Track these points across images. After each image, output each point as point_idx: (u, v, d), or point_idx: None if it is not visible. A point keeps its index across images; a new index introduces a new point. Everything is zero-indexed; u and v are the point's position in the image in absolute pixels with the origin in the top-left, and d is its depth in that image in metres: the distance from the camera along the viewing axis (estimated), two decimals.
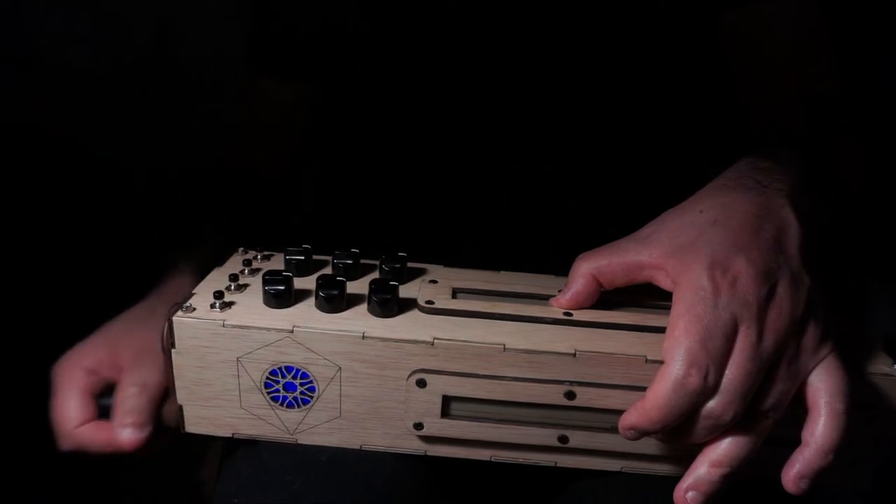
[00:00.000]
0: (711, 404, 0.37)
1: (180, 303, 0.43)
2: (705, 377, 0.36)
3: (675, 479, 0.40)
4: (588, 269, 0.43)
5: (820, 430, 0.38)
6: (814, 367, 0.39)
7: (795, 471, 0.39)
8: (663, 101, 0.63)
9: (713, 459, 0.38)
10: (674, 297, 0.39)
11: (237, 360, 0.43)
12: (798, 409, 0.39)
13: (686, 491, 0.39)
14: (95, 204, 0.99)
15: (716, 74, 0.63)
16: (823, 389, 0.38)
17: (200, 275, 0.49)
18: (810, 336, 0.39)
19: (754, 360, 0.37)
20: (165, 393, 0.49)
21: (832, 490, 0.62)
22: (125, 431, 0.48)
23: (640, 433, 0.39)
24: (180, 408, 0.45)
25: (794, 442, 0.39)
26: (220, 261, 0.51)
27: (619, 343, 0.42)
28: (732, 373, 0.37)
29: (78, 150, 1.00)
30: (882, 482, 0.48)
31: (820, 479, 0.39)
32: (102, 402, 0.50)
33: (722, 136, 0.66)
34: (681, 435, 0.39)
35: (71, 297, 0.93)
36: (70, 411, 0.49)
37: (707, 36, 0.61)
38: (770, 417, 0.38)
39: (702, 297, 0.37)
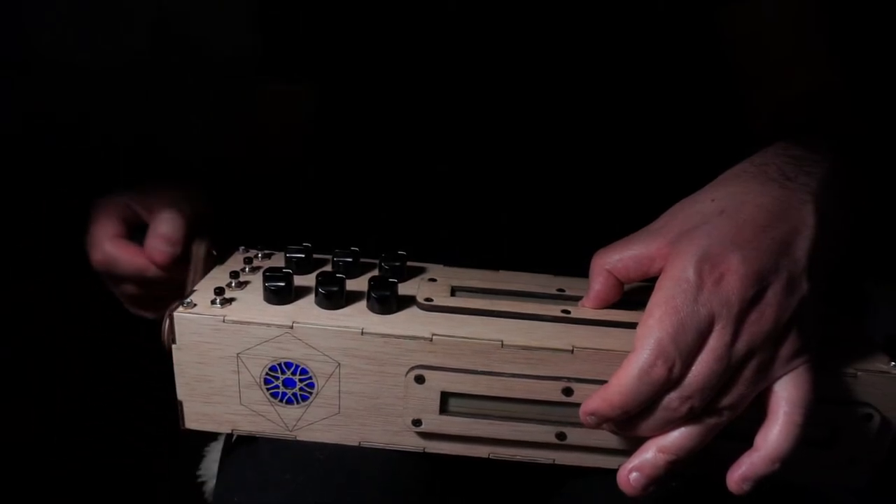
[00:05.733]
0: (671, 397, 0.37)
1: (181, 299, 0.43)
2: (670, 370, 0.36)
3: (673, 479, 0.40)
4: (602, 265, 0.43)
5: (773, 437, 0.38)
6: (783, 376, 0.39)
7: (740, 472, 0.39)
8: (663, 101, 0.63)
9: (661, 445, 0.39)
10: (657, 283, 0.38)
11: (237, 356, 0.43)
12: (762, 412, 0.39)
13: (630, 471, 0.39)
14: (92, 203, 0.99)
15: (717, 73, 0.63)
16: (786, 399, 0.38)
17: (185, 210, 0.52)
18: (788, 345, 0.38)
19: (722, 360, 0.37)
20: (197, 230, 0.52)
21: (831, 489, 0.62)
22: (156, 242, 0.50)
23: (601, 419, 0.39)
24: (180, 403, 0.45)
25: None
26: (221, 259, 0.51)
27: (616, 340, 0.42)
28: (697, 369, 0.37)
29: (77, 150, 1.00)
30: (881, 482, 0.48)
31: (764, 482, 0.39)
32: (136, 236, 0.52)
33: (723, 135, 0.66)
34: (635, 425, 0.39)
35: (70, 297, 0.93)
36: (105, 227, 0.52)
37: (707, 34, 0.61)
38: (725, 416, 0.38)
39: (683, 290, 0.37)
